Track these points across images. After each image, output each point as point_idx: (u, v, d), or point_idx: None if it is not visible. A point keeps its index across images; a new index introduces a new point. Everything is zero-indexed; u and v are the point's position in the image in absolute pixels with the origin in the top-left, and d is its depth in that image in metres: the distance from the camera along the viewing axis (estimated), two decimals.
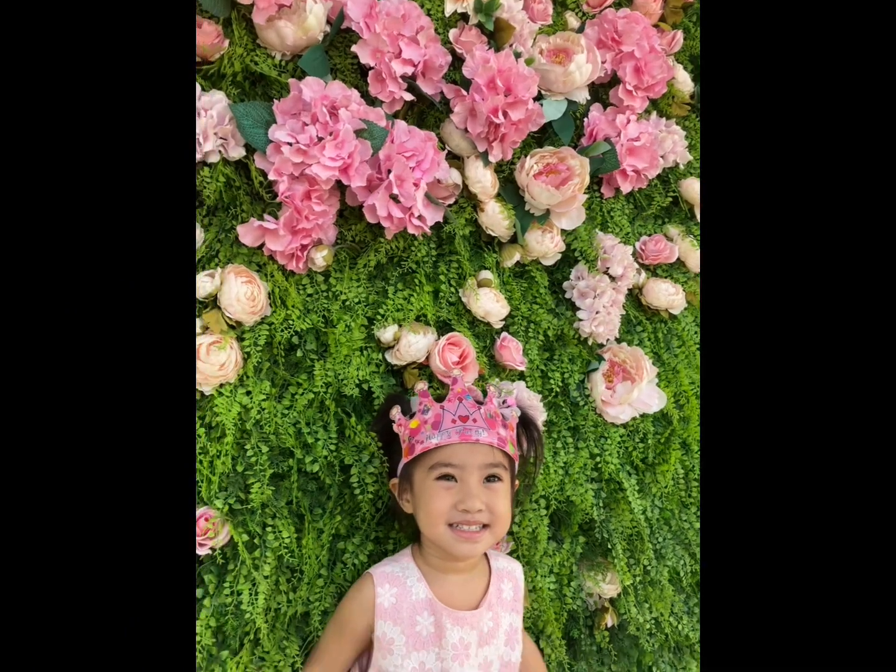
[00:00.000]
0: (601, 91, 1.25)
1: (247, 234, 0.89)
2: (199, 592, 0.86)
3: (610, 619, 1.16)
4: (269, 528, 0.90)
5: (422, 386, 0.98)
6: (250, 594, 0.86)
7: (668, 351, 1.26)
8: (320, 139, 0.89)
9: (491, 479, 0.88)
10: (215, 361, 0.87)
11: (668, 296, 1.24)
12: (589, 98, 1.19)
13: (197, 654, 0.84)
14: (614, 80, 1.25)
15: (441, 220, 1.01)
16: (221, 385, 0.90)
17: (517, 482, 0.98)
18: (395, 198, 0.95)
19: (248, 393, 0.92)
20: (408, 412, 0.94)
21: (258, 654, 0.88)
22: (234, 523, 0.88)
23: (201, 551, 0.85)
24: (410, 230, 0.97)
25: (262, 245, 0.93)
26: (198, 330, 0.88)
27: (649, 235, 1.28)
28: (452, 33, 1.09)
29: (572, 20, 1.23)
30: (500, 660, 0.89)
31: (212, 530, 0.85)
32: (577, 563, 1.16)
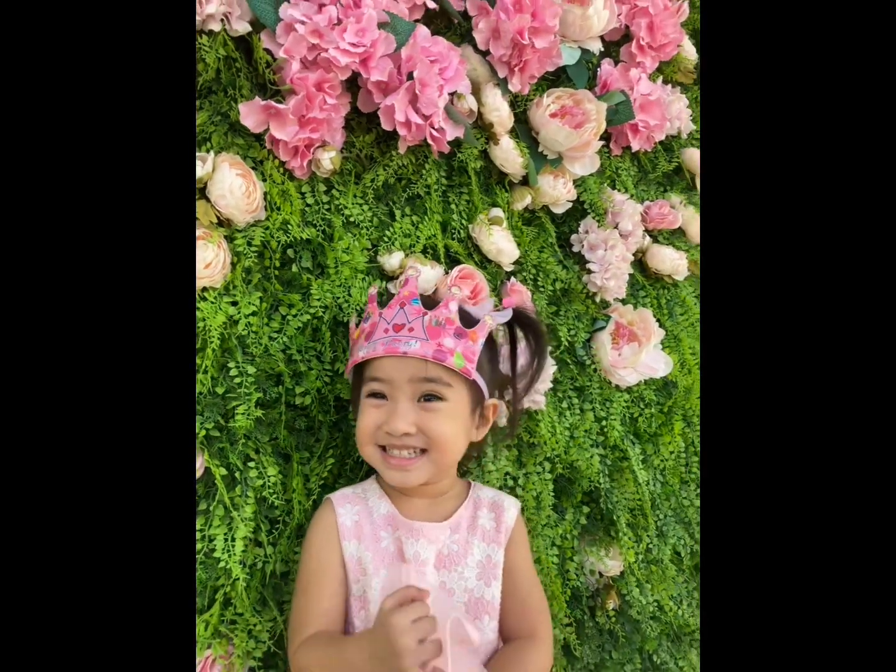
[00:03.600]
0: (612, 48, 1.22)
1: (250, 113, 0.77)
2: None
3: (612, 601, 1.05)
4: (251, 464, 0.75)
5: (373, 290, 0.81)
6: (226, 539, 0.71)
7: (670, 318, 1.21)
8: (340, 22, 0.79)
9: (430, 398, 0.74)
10: (201, 258, 0.73)
11: (673, 261, 1.19)
12: (602, 50, 1.15)
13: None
14: (624, 39, 1.22)
15: (461, 137, 0.91)
16: (204, 289, 0.75)
17: (494, 405, 0.82)
18: (413, 104, 0.86)
19: (235, 304, 0.78)
20: None
21: (228, 616, 0.71)
22: (211, 453, 0.73)
23: None
24: (430, 141, 0.87)
25: (263, 134, 0.80)
26: None
27: (652, 201, 1.24)
28: None
29: None
30: (469, 593, 0.75)
31: None
32: (578, 537, 1.05)
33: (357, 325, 0.80)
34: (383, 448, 0.74)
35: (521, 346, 0.88)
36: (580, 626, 1.02)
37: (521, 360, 0.88)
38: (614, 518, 1.05)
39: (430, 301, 0.77)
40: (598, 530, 1.07)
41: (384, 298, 0.85)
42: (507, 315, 0.82)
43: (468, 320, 0.77)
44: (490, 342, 0.82)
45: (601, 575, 1.06)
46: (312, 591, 0.72)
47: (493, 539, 0.79)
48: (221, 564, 0.69)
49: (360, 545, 0.74)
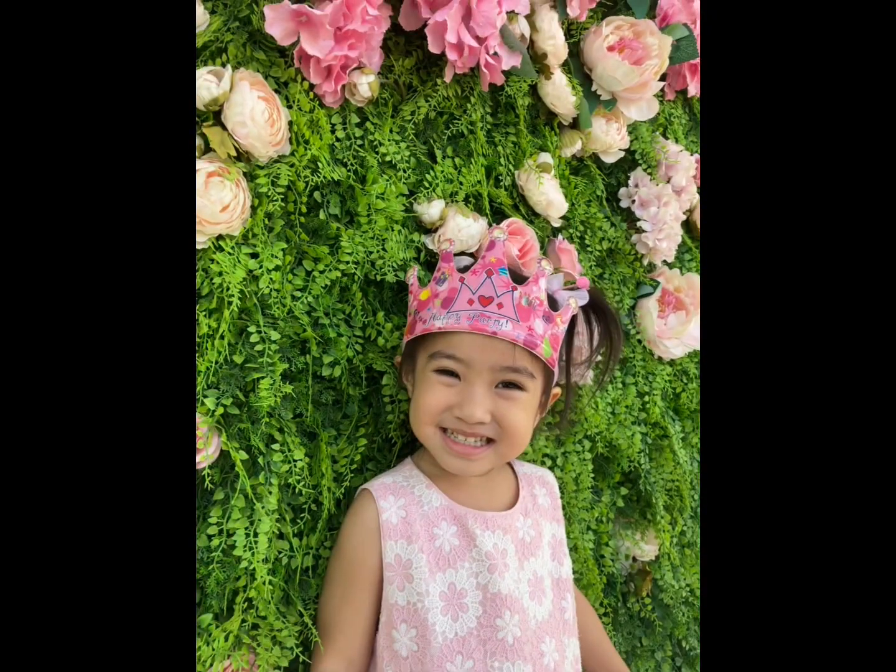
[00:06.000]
0: None
1: (277, 19, 0.62)
2: None
3: (647, 587, 0.99)
4: (275, 446, 0.64)
5: (448, 246, 0.72)
6: (247, 535, 0.60)
7: None
8: None
9: (509, 385, 0.66)
10: (217, 199, 0.60)
11: None
12: None
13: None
14: None
15: (517, 67, 0.78)
16: (220, 238, 0.62)
17: (557, 392, 0.76)
18: (465, 23, 0.72)
19: (255, 256, 0.65)
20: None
21: (249, 621, 0.62)
22: (229, 434, 0.61)
23: None
24: (483, 69, 0.74)
25: (289, 49, 0.66)
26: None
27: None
28: None
29: None
30: (551, 577, 0.72)
31: (200, 440, 0.58)
32: (614, 520, 0.98)
33: (421, 283, 0.70)
34: (443, 430, 0.65)
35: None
36: (614, 614, 0.96)
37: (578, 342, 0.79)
38: (653, 500, 0.97)
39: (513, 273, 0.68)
40: (633, 513, 1.00)
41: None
42: (586, 297, 0.73)
43: (551, 301, 0.69)
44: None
45: (635, 560, 1.00)
46: (343, 596, 0.65)
47: (553, 516, 0.77)
48: (243, 564, 0.59)
49: (411, 546, 0.65)
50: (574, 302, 0.71)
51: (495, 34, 0.73)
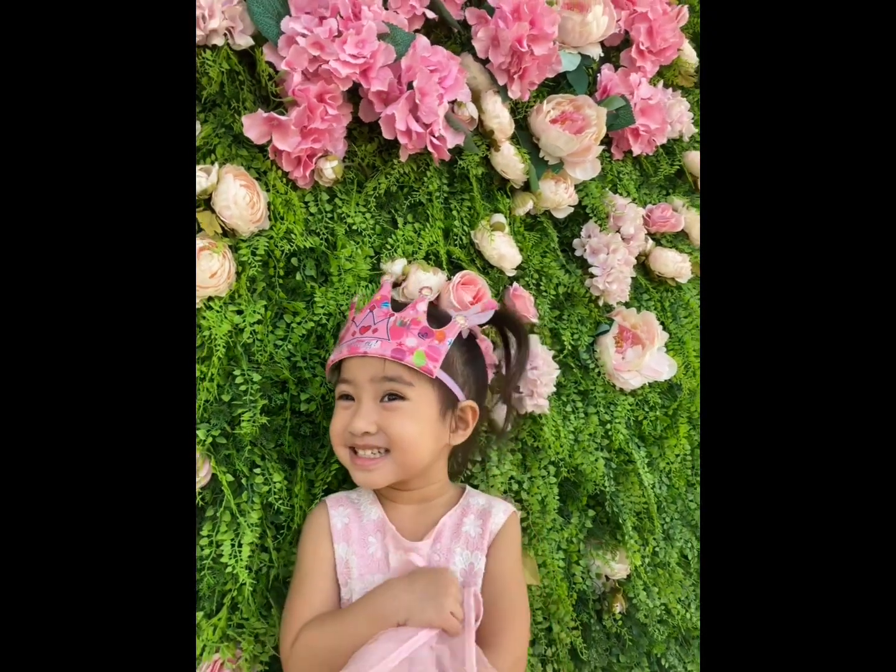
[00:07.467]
0: (611, 53, 1.23)
1: (253, 125, 0.78)
2: None
3: (619, 605, 1.05)
4: (257, 470, 0.76)
5: (355, 298, 0.85)
6: (233, 545, 0.72)
7: (674, 321, 1.21)
8: (340, 34, 0.81)
9: (392, 397, 0.73)
10: (206, 268, 0.74)
11: (676, 264, 1.19)
12: (602, 55, 1.16)
13: None
14: (624, 44, 1.23)
15: (461, 145, 0.92)
16: (210, 299, 0.77)
17: (472, 407, 0.79)
18: (413, 113, 0.87)
19: (240, 312, 0.79)
20: None
21: (236, 620, 0.72)
22: (217, 460, 0.74)
23: None
24: (430, 149, 0.88)
25: (266, 146, 0.82)
26: None
27: (654, 204, 1.25)
28: None
29: None
30: None
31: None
32: (584, 540, 1.06)
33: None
34: (353, 450, 0.74)
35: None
36: (587, 630, 1.02)
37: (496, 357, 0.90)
38: (620, 521, 1.05)
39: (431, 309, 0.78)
40: (603, 534, 1.07)
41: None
42: (485, 316, 0.82)
43: (443, 322, 0.78)
44: (471, 344, 0.83)
45: (608, 578, 1.06)
46: (306, 590, 0.71)
47: (477, 546, 0.77)
48: (228, 570, 0.70)
49: (349, 548, 0.74)
50: (461, 319, 0.78)
51: (438, 120, 0.88)
